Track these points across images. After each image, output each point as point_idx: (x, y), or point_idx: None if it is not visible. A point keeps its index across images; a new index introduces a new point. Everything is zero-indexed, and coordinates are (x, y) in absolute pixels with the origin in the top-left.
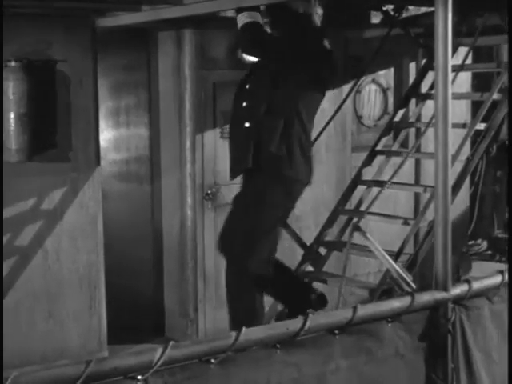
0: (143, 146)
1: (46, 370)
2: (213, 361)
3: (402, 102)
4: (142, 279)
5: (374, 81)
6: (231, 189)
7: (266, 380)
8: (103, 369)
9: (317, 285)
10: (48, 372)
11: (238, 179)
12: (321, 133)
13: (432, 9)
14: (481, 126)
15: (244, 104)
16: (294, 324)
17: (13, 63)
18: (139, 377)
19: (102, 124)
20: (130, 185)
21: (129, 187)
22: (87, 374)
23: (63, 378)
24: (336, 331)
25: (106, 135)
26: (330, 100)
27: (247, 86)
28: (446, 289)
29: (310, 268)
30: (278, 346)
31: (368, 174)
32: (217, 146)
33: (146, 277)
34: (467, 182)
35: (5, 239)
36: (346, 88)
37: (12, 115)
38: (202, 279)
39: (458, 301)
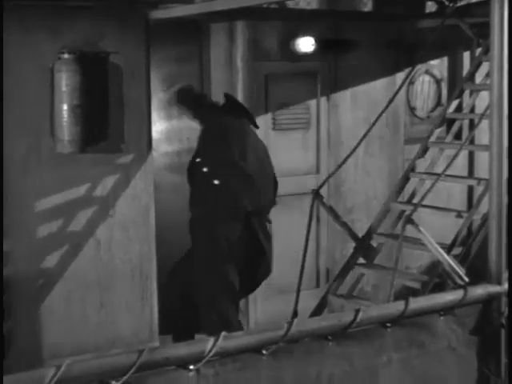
0: (195, 137)
1: (99, 358)
2: (264, 352)
3: (455, 93)
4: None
5: (427, 72)
6: (283, 181)
7: (318, 372)
8: (155, 358)
9: None
10: (101, 360)
11: None
12: (373, 124)
13: None
14: None
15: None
16: (346, 316)
17: (66, 55)
18: (191, 367)
19: (154, 116)
20: (182, 176)
21: (180, 179)
22: (140, 363)
23: (116, 367)
24: (388, 324)
25: (158, 127)
26: (383, 91)
27: None
28: (499, 282)
29: (361, 260)
30: (330, 337)
31: (421, 166)
32: (269, 138)
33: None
34: None
35: (58, 230)
36: (399, 79)
37: (65, 107)
38: None
39: None
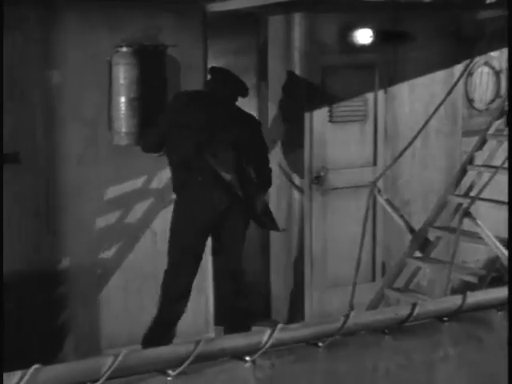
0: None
1: (156, 348)
2: (320, 344)
3: None
4: (249, 262)
5: (486, 63)
6: (340, 173)
7: (374, 365)
8: (212, 349)
9: None
10: (158, 350)
11: None
12: (431, 117)
13: None
14: None
15: None
16: (403, 310)
17: (124, 49)
18: (247, 358)
19: None
20: None
21: None
22: (196, 354)
23: (172, 357)
24: (445, 318)
25: None
26: (441, 83)
27: None
28: None
29: (417, 254)
30: (386, 331)
31: (479, 158)
32: (326, 131)
33: (253, 260)
34: None
35: (115, 222)
36: (458, 71)
37: (123, 99)
38: (309, 263)
39: None
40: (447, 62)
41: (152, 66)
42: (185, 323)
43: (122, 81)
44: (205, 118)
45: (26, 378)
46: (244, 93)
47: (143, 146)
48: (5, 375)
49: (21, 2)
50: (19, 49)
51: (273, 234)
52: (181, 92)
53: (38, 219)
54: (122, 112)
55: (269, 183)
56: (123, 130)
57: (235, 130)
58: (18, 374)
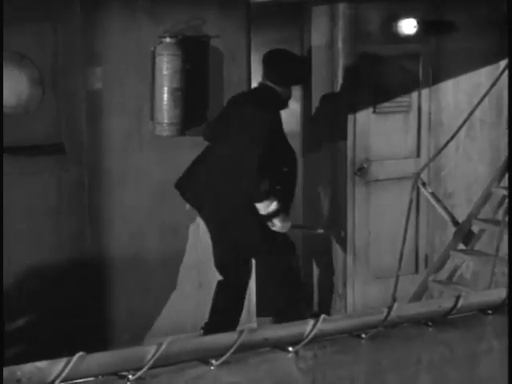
0: (295, 121)
1: (199, 337)
2: (363, 336)
3: None
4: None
5: None
6: (383, 165)
7: (417, 357)
8: (255, 339)
9: None
10: (202, 339)
11: None
12: (475, 108)
13: None
14: None
15: None
16: (447, 302)
17: (167, 39)
18: (290, 348)
19: None
20: None
21: None
22: (239, 343)
23: (216, 346)
24: (489, 311)
25: None
26: (485, 74)
27: None
28: None
29: (461, 246)
30: (430, 323)
31: None
32: (369, 122)
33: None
34: None
35: (157, 213)
36: (503, 62)
37: (165, 90)
38: (351, 255)
39: None
40: (492, 53)
41: (195, 57)
42: None
43: (165, 71)
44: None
45: (71, 365)
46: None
47: None
48: (49, 362)
49: None
50: (61, 39)
51: (315, 226)
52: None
53: (81, 209)
54: (165, 103)
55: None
56: (165, 120)
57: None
58: (62, 361)
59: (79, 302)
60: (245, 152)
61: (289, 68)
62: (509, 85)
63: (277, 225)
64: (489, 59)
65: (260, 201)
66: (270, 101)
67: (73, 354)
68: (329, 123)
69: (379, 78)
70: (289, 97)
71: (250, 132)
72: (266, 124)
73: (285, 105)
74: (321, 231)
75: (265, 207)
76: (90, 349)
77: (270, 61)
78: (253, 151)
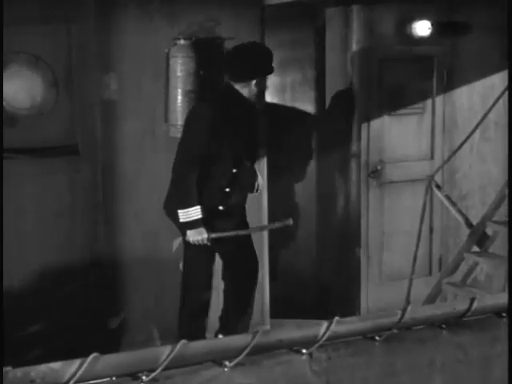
0: (309, 123)
1: (213, 339)
2: (377, 338)
3: None
4: (305, 255)
5: None
6: (397, 167)
7: (431, 360)
8: (269, 340)
9: None
10: (216, 341)
11: None
12: (490, 109)
13: None
14: None
15: None
16: (461, 305)
17: (182, 41)
18: (304, 350)
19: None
20: None
21: None
22: (253, 345)
23: (230, 348)
24: (503, 314)
25: None
26: (500, 75)
27: None
28: None
29: (475, 248)
30: (444, 326)
31: None
32: (383, 124)
33: (309, 253)
34: None
35: None
36: None
37: (179, 92)
38: (365, 257)
39: None
40: (506, 54)
41: (209, 59)
42: None
43: (179, 73)
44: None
45: (85, 366)
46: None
47: None
48: (63, 363)
49: None
50: (75, 41)
51: (329, 227)
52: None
53: (95, 209)
54: (179, 104)
55: None
56: (179, 122)
57: None
58: (76, 362)
59: (93, 302)
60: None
61: (240, 62)
62: (509, 86)
63: (189, 237)
64: (503, 61)
65: (181, 207)
66: (218, 98)
67: (86, 355)
68: (342, 123)
69: (393, 79)
70: (254, 91)
71: (186, 135)
72: (202, 123)
73: (247, 101)
74: (289, 222)
75: (184, 216)
76: (103, 350)
77: (225, 57)
78: (184, 154)
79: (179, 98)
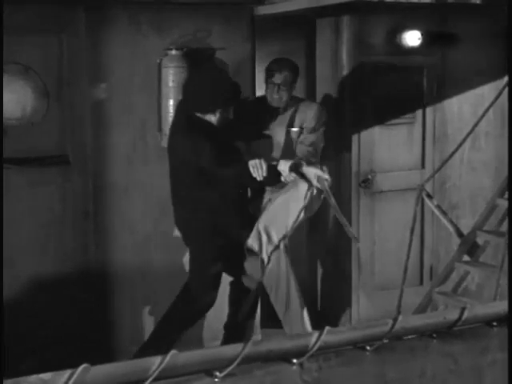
0: None
1: (203, 349)
2: (368, 348)
3: None
4: (296, 265)
5: None
6: (387, 176)
7: (421, 369)
8: (259, 350)
9: None
10: (206, 351)
11: None
12: (480, 119)
13: None
14: None
15: None
16: (452, 314)
17: (173, 52)
18: (294, 360)
19: None
20: None
21: None
22: (244, 355)
23: (221, 358)
24: (494, 323)
25: None
26: (490, 85)
27: None
28: None
29: (466, 258)
30: (435, 335)
31: None
32: (373, 133)
33: (300, 262)
34: None
35: (163, 222)
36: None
37: (171, 102)
38: (356, 266)
39: None
40: (497, 65)
41: (201, 69)
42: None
43: (170, 83)
44: None
45: (75, 377)
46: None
47: None
48: (54, 374)
49: (69, 4)
50: (66, 51)
51: (320, 236)
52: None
53: (86, 220)
54: (171, 114)
55: None
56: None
57: None
58: (66, 373)
59: (83, 312)
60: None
61: (195, 94)
62: (509, 90)
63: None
64: (493, 71)
65: None
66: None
67: (76, 366)
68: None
69: (383, 89)
70: (213, 120)
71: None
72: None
73: (211, 128)
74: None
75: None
76: (94, 361)
77: (185, 86)
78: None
79: (171, 108)
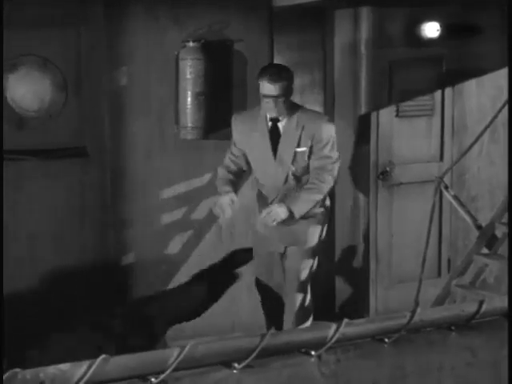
0: None
1: (222, 341)
2: (386, 340)
3: None
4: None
5: None
6: (406, 168)
7: (440, 363)
8: (277, 343)
9: None
10: (224, 343)
11: None
12: (499, 111)
13: None
14: None
15: None
16: (470, 307)
17: (191, 44)
18: (313, 352)
19: None
20: None
21: None
22: (262, 347)
23: (239, 350)
24: None
25: None
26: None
27: None
28: None
29: (484, 250)
30: (453, 328)
31: None
32: (392, 125)
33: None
34: None
35: (180, 214)
36: None
37: (189, 94)
38: (374, 258)
39: None
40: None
41: (218, 61)
42: (248, 318)
43: (188, 75)
44: None
45: (94, 367)
46: None
47: None
48: (73, 365)
49: None
50: (84, 44)
51: (338, 229)
52: None
53: (104, 212)
54: (188, 106)
55: None
56: (189, 124)
57: None
58: (85, 363)
59: (101, 304)
60: None
61: None
62: (509, 89)
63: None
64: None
65: None
66: None
67: (94, 357)
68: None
69: (402, 81)
70: None
71: None
72: None
73: None
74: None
75: None
76: (111, 352)
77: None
78: None
79: (189, 100)
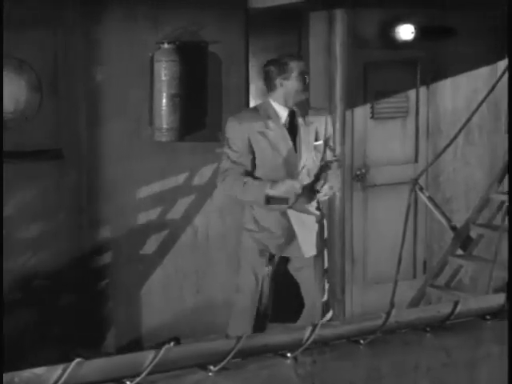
0: None
1: (197, 343)
2: (362, 341)
3: None
4: None
5: None
6: (381, 170)
7: (415, 363)
8: (253, 345)
9: None
10: (200, 345)
11: None
12: (473, 113)
13: None
14: None
15: None
16: (445, 308)
17: (166, 45)
18: (289, 354)
19: (252, 104)
20: None
21: None
22: (238, 349)
23: (214, 352)
24: (487, 316)
25: None
26: (483, 79)
27: None
28: None
29: (459, 251)
30: (428, 329)
31: None
32: (367, 127)
33: None
34: None
35: (156, 215)
36: (501, 66)
37: (164, 96)
38: (349, 260)
39: None
40: (490, 58)
41: (193, 63)
42: (224, 319)
43: (163, 77)
44: None
45: (68, 371)
46: None
47: None
48: (48, 368)
49: None
50: (60, 45)
51: None
52: None
53: (80, 214)
54: (163, 108)
55: None
56: (164, 126)
57: None
58: (60, 367)
59: (77, 307)
60: None
61: None
62: (508, 88)
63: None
64: (486, 64)
65: None
66: None
67: (70, 360)
68: None
69: (377, 83)
70: None
71: None
72: None
73: None
74: None
75: None
76: (88, 355)
77: None
78: None
79: (164, 101)
